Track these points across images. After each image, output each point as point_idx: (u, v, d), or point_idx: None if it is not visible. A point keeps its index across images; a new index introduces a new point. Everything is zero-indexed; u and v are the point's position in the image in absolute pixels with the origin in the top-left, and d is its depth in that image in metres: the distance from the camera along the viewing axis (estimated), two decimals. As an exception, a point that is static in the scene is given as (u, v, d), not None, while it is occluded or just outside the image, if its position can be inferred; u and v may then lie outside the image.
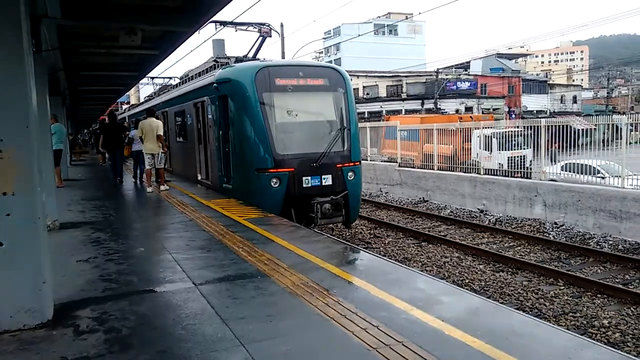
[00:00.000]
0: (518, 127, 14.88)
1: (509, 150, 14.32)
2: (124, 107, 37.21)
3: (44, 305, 3.60)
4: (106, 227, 7.20)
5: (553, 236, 10.89)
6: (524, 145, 14.09)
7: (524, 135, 14.15)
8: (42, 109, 6.82)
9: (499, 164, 14.24)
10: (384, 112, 42.46)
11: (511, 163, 13.87)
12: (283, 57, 23.93)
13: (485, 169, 14.12)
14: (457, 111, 40.80)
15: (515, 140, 14.41)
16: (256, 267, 4.91)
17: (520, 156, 13.86)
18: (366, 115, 39.58)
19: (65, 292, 4.18)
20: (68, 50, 9.19)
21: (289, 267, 4.87)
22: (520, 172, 13.34)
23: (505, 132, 14.77)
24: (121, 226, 7.41)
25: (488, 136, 14.90)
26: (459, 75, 49.76)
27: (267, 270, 4.77)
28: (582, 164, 12.03)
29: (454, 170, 15.04)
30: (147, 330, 3.53)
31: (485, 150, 14.87)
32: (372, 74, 49.22)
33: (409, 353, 3.05)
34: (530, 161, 13.58)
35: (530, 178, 12.83)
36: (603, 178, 11.46)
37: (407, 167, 17.17)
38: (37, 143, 3.72)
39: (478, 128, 15.18)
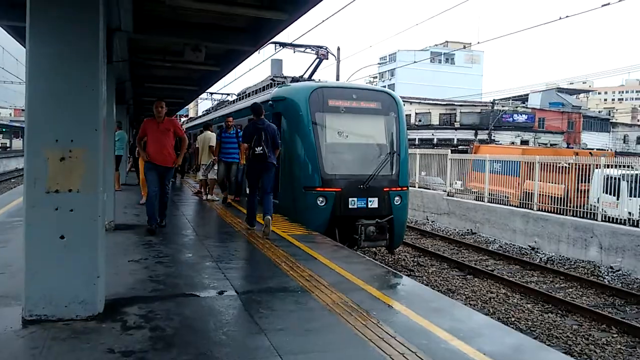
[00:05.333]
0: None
1: None
2: (182, 119, 38.74)
3: (96, 298, 3.79)
4: (158, 232, 7.47)
5: (608, 281, 10.31)
6: None
7: None
8: (109, 116, 7.27)
9: (629, 212, 11.55)
10: (435, 140, 42.02)
11: None
12: (337, 80, 24.28)
13: (607, 216, 11.72)
14: (512, 144, 39.76)
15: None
16: (297, 282, 4.96)
17: None
18: (417, 142, 39.28)
19: (116, 289, 4.37)
20: (136, 63, 9.76)
21: (330, 285, 4.88)
22: None
23: None
24: (172, 232, 7.66)
25: (616, 178, 12.05)
26: (517, 107, 48.59)
27: (308, 286, 4.80)
28: None
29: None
30: (190, 332, 3.63)
31: (610, 194, 12.16)
32: (426, 101, 48.95)
33: (446, 382, 2.98)
34: None
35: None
36: None
37: (457, 197, 16.81)
38: (103, 146, 3.97)
39: (605, 167, 12.35)
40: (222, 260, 5.82)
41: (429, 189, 18.35)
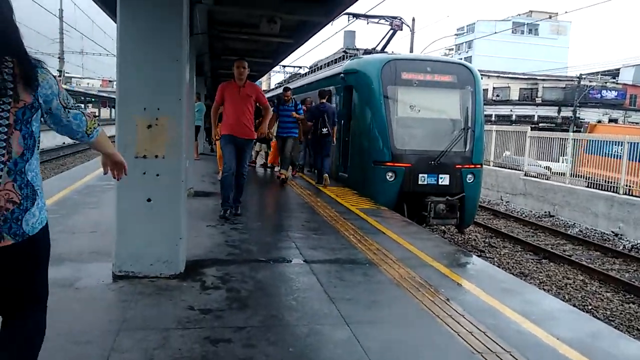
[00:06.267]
0: None
1: None
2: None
3: (178, 258, 4.06)
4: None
5: (703, 273, 9.48)
6: None
7: None
8: (189, 87, 7.59)
9: None
10: (513, 116, 39.98)
11: None
12: (411, 52, 23.63)
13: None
14: (599, 122, 36.96)
15: None
16: (365, 255, 5.01)
17: None
18: (493, 119, 37.55)
19: (196, 251, 4.65)
20: (214, 35, 10.04)
21: (398, 259, 4.89)
22: None
23: None
24: (246, 200, 7.95)
25: None
26: (606, 83, 44.87)
27: (376, 260, 4.85)
28: None
29: None
30: (262, 295, 3.81)
31: None
32: (505, 75, 46.43)
33: (516, 364, 2.93)
34: None
35: None
36: None
37: (534, 177, 16.00)
38: (186, 115, 4.17)
39: None
40: (293, 230, 6.00)
41: (505, 167, 17.54)
